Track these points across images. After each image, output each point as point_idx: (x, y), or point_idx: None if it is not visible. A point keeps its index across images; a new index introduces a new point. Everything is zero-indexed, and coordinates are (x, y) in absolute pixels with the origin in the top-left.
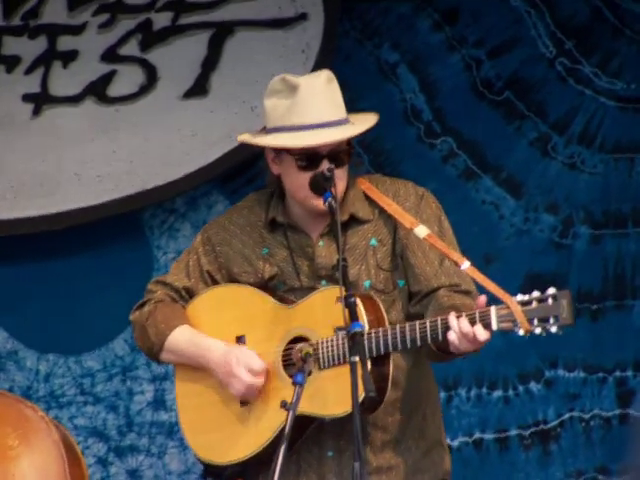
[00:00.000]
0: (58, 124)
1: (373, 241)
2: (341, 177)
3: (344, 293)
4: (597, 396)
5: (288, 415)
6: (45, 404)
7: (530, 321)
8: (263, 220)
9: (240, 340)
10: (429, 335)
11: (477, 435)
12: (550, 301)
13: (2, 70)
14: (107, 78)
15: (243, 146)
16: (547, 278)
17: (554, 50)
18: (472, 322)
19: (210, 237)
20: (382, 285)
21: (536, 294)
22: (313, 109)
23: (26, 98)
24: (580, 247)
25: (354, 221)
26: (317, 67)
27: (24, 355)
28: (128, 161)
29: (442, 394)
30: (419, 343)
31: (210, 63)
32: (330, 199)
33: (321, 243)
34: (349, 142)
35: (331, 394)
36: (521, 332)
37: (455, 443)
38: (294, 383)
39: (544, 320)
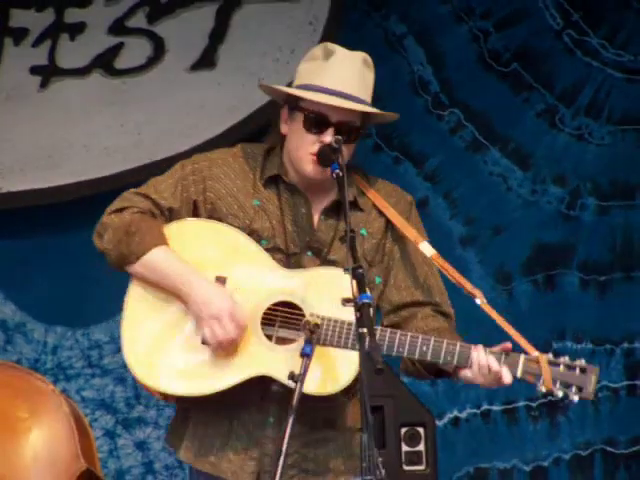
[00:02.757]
0: (66, 96)
1: (363, 231)
2: (346, 153)
3: (352, 265)
4: (605, 368)
5: (296, 387)
6: (53, 376)
7: (553, 382)
8: (258, 173)
9: (219, 281)
10: (443, 355)
11: (485, 406)
12: (577, 371)
13: (10, 43)
14: (114, 50)
15: (251, 117)
16: (555, 249)
17: (561, 22)
18: (500, 363)
19: (201, 169)
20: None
21: (565, 359)
22: (338, 77)
23: (34, 70)
24: (588, 218)
25: (352, 205)
26: (324, 39)
27: (32, 327)
28: (136, 133)
29: None
30: (429, 358)
31: (217, 35)
32: (338, 170)
33: (323, 217)
34: (364, 125)
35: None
36: (543, 389)
37: (463, 415)
38: (302, 355)
39: (566, 386)
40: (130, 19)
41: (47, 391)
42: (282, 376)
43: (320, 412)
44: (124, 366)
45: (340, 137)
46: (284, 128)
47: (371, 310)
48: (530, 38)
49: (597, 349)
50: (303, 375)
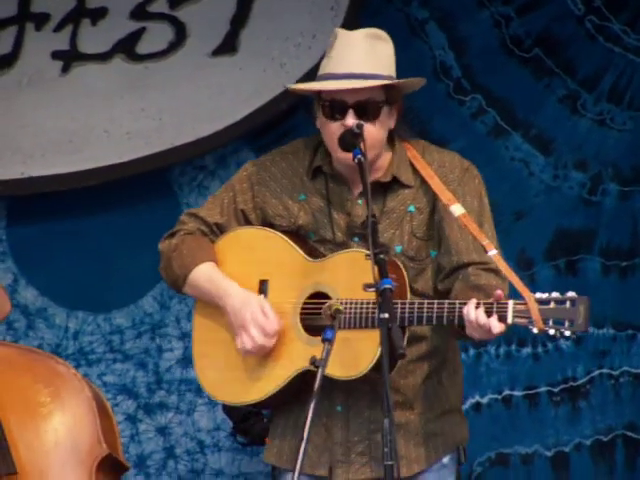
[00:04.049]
0: (87, 81)
1: (411, 207)
2: (373, 133)
3: (373, 250)
4: (626, 353)
5: (318, 372)
6: (74, 361)
7: (545, 321)
8: (306, 166)
9: (263, 284)
10: (445, 317)
11: (507, 392)
12: (568, 304)
13: (31, 27)
14: (136, 35)
15: (272, 103)
16: (576, 235)
17: (583, 7)
18: (489, 313)
19: (250, 175)
20: (413, 252)
21: (555, 295)
22: (342, 59)
23: (55, 55)
24: (609, 204)
25: (396, 184)
26: (346, 24)
27: (53, 312)
28: (157, 118)
29: (471, 351)
30: (434, 322)
31: (239, 20)
32: (359, 156)
33: (360, 201)
34: (392, 97)
35: (344, 356)
36: (535, 330)
37: (484, 400)
38: (324, 340)
39: (559, 322)
40: (152, 4)
41: (69, 375)
42: (330, 369)
43: (390, 395)
44: (145, 351)
45: (361, 122)
46: (317, 122)
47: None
48: (552, 24)
49: (618, 334)
50: (325, 360)
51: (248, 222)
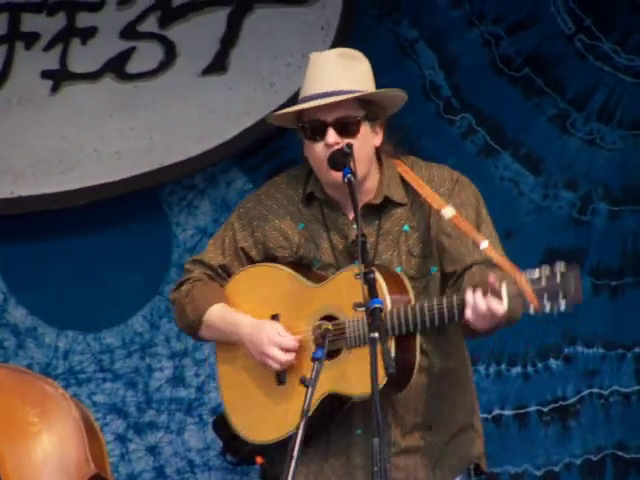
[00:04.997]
0: (77, 101)
1: (406, 227)
2: (357, 149)
3: (363, 269)
4: (616, 372)
5: (307, 391)
6: (64, 381)
7: (540, 299)
8: (300, 194)
9: (275, 319)
10: (446, 314)
11: (496, 411)
12: (558, 277)
13: (21, 47)
14: (126, 55)
15: (262, 122)
16: (566, 254)
17: (573, 27)
18: (484, 295)
19: (247, 211)
20: (413, 271)
21: (545, 270)
22: (316, 80)
23: (45, 75)
24: (599, 223)
25: (389, 204)
26: (336, 44)
27: (43, 332)
28: (147, 138)
29: None
30: (437, 323)
31: (229, 40)
32: (349, 175)
33: (354, 226)
34: (370, 115)
35: (357, 373)
36: (531, 311)
37: None
38: (313, 359)
39: (553, 297)
40: (142, 23)
41: (57, 396)
42: (342, 388)
43: (410, 417)
44: (135, 370)
45: (351, 142)
46: (304, 150)
47: (382, 314)
48: (542, 43)
49: (608, 354)
50: (314, 379)
51: (250, 259)
